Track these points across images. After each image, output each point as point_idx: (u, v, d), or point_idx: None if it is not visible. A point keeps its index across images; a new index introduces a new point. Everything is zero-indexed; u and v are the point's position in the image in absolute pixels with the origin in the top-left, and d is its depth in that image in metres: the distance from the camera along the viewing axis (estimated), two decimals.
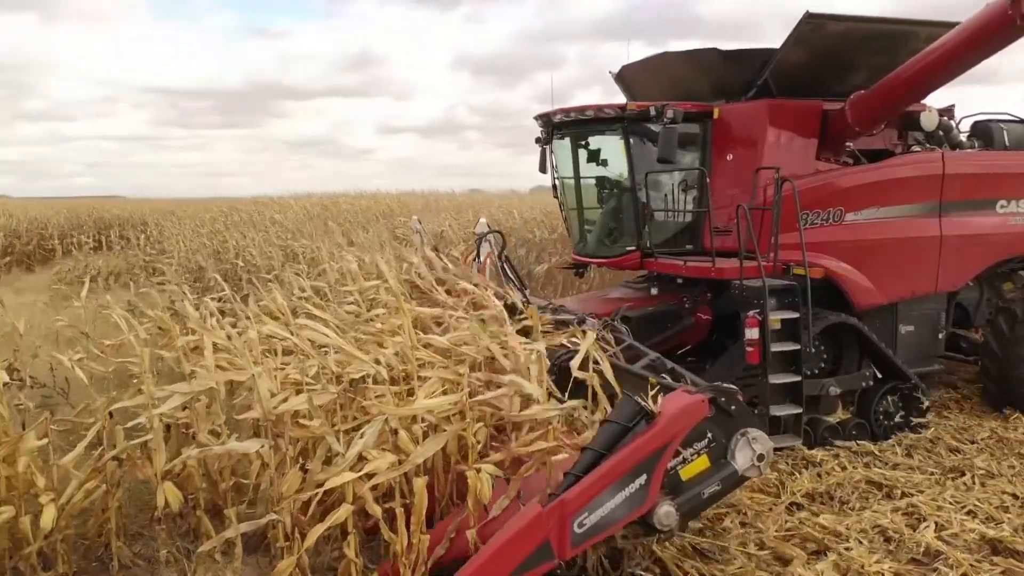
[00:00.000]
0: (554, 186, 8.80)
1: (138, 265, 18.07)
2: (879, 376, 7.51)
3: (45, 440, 4.60)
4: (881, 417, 7.44)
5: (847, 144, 7.78)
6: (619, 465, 4.40)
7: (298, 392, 4.61)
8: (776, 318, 6.67)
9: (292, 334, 5.07)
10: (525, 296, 6.83)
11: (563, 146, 8.41)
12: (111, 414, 4.81)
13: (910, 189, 7.92)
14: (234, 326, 5.71)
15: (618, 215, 8.35)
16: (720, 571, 4.92)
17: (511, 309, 6.74)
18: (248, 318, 5.73)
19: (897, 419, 7.45)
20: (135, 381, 5.36)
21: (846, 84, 7.69)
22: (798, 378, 6.68)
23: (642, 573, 4.90)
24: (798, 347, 6.67)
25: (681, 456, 4.66)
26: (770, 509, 5.77)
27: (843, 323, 7.31)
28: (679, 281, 7.98)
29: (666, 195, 8.00)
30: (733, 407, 4.73)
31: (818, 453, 6.76)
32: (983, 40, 6.32)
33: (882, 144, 8.47)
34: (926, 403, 7.54)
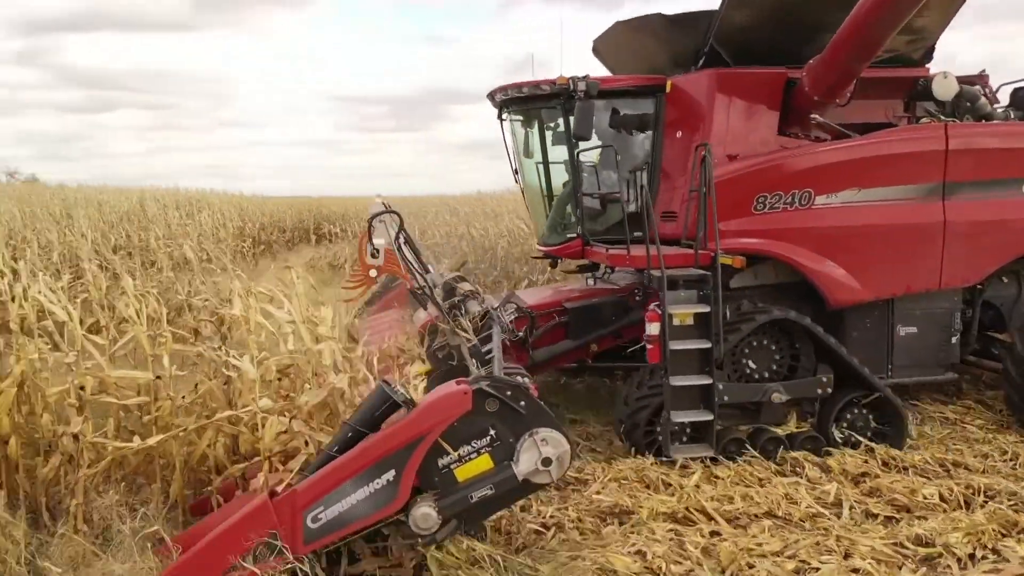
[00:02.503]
0: (515, 171, 8.32)
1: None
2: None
3: None
4: (847, 430, 6.45)
5: (812, 117, 6.77)
6: (361, 457, 4.06)
7: None
8: (686, 312, 5.94)
9: None
10: (426, 279, 6.48)
11: (511, 127, 7.94)
12: None
13: (900, 167, 6.80)
14: None
15: (566, 200, 7.77)
16: None
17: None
18: None
19: (866, 435, 6.44)
20: None
21: (817, 48, 6.70)
22: (708, 380, 5.91)
23: None
24: (708, 345, 5.89)
25: (457, 454, 4.22)
26: None
27: (789, 320, 6.38)
28: (609, 271, 7.32)
29: (605, 177, 7.34)
30: (522, 403, 4.22)
31: None
32: None
33: (883, 117, 7.36)
34: (907, 421, 6.45)
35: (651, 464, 5.90)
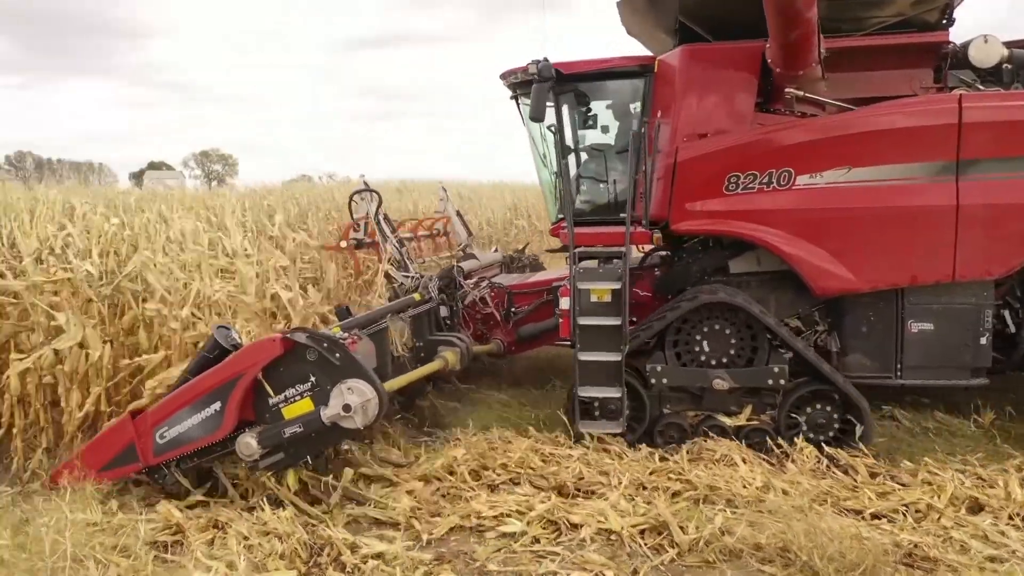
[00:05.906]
0: (542, 155, 8.51)
1: None
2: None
3: None
4: (804, 427, 6.01)
5: (787, 91, 6.29)
6: (193, 388, 4.87)
7: None
8: (603, 288, 5.93)
9: None
10: (401, 254, 7.08)
11: (523, 112, 8.14)
12: None
13: (901, 143, 6.10)
14: None
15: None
16: None
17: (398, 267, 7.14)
18: None
19: (828, 435, 5.96)
20: None
21: None
22: (617, 357, 5.85)
23: None
24: (618, 322, 5.83)
25: (283, 395, 4.86)
26: None
27: (736, 304, 6.06)
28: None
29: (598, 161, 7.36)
30: (337, 355, 4.75)
31: None
32: None
33: (907, 89, 6.61)
34: (870, 419, 5.86)
35: None
